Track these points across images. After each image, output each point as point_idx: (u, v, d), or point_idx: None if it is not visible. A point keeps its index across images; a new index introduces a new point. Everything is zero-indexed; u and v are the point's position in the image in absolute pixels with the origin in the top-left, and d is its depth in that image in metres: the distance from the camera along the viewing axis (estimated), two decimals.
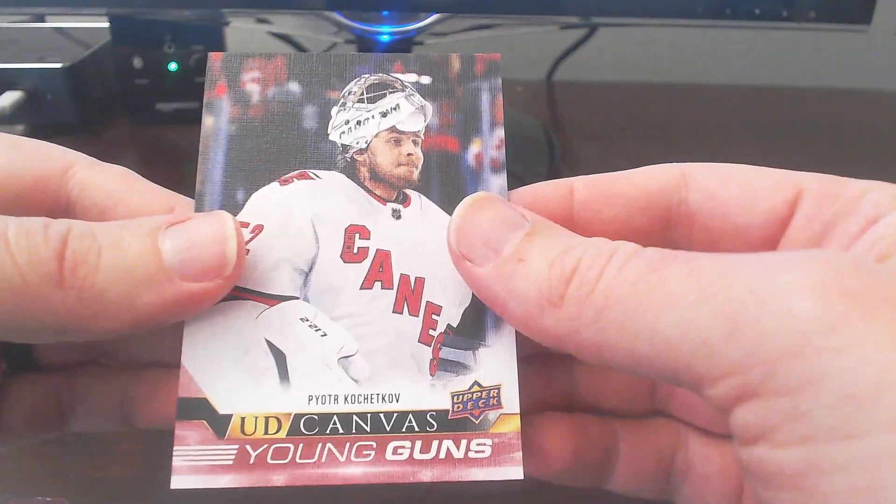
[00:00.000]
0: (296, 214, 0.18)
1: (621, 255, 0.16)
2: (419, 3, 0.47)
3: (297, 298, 0.17)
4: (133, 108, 0.61)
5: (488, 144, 0.18)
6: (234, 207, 0.17)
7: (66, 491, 0.29)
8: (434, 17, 0.48)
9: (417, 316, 0.17)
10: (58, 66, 0.56)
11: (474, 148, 0.18)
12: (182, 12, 0.50)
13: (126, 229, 0.18)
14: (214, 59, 0.19)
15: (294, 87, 0.18)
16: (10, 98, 0.54)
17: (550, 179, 0.20)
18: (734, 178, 0.19)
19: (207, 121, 0.18)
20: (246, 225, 0.18)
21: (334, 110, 0.18)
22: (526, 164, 0.54)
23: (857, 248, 0.17)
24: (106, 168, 0.21)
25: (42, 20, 0.67)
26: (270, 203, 0.17)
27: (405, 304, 0.17)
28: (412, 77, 0.19)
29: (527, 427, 0.19)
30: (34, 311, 0.17)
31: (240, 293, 0.17)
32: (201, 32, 0.60)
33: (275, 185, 0.18)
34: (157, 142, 0.59)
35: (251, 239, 0.18)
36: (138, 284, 0.17)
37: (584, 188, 0.20)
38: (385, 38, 0.49)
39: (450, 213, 0.18)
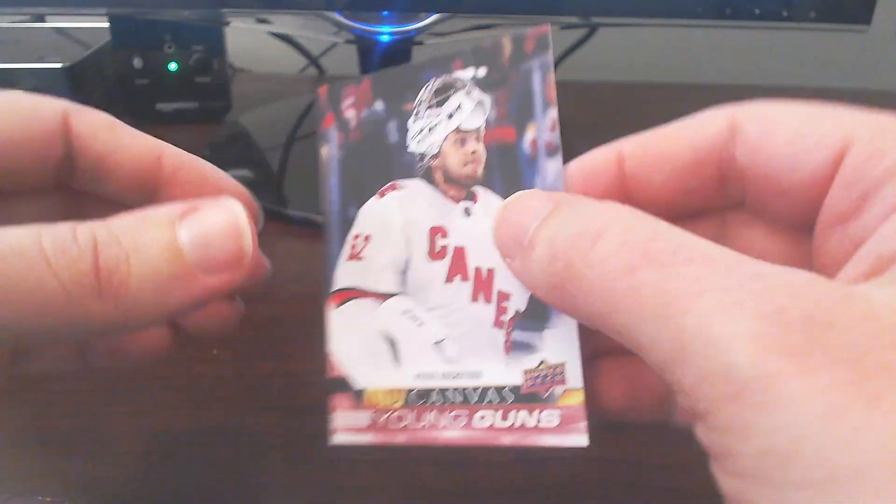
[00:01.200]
0: (391, 222, 0.20)
1: (606, 242, 0.16)
2: (419, 3, 0.47)
3: (400, 294, 0.20)
4: (133, 108, 0.61)
5: (542, 128, 0.19)
6: (349, 222, 0.20)
7: (66, 491, 0.29)
8: (434, 17, 0.48)
9: (490, 303, 0.19)
10: (58, 66, 0.56)
11: (529, 134, 0.19)
12: (182, 12, 0.50)
13: (144, 229, 0.18)
14: (321, 93, 0.21)
15: (379, 105, 0.20)
16: None
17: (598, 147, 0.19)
18: (781, 129, 0.18)
19: (323, 151, 0.20)
20: (358, 236, 0.20)
21: (410, 121, 0.20)
22: None
23: (882, 230, 0.16)
24: (93, 116, 0.21)
25: (42, 20, 0.67)
26: (372, 215, 0.20)
27: (480, 294, 0.19)
28: (470, 72, 0.19)
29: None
30: (78, 323, 0.17)
31: (361, 293, 0.20)
32: (201, 32, 0.60)
33: (374, 198, 0.20)
34: None
35: (364, 247, 0.20)
36: (167, 284, 0.18)
37: (632, 154, 0.20)
38: (385, 38, 0.49)
39: None
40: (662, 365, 0.15)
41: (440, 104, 0.20)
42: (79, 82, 0.58)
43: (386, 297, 0.20)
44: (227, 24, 0.57)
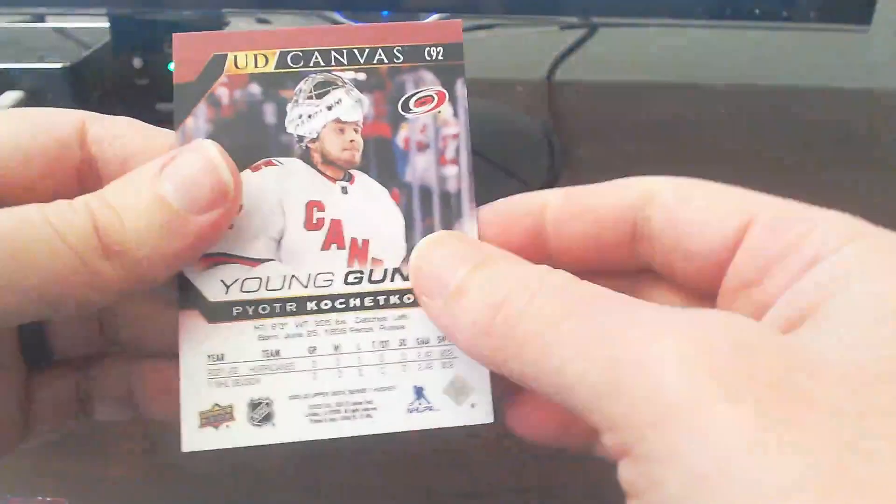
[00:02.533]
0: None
1: (545, 293, 0.17)
2: (419, 3, 0.47)
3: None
4: (133, 108, 0.61)
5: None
6: None
7: (66, 491, 0.30)
8: (434, 17, 0.48)
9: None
10: (58, 66, 0.56)
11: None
12: (182, 12, 0.50)
13: (129, 189, 0.19)
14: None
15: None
16: (10, 98, 0.54)
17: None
18: (694, 199, 0.20)
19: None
20: None
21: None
22: (526, 164, 0.54)
23: (789, 295, 0.17)
24: (113, 120, 0.22)
25: (42, 20, 0.67)
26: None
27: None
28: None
29: (519, 402, 0.21)
30: (92, 285, 0.18)
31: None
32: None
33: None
34: None
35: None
36: (162, 233, 0.19)
37: (556, 203, 0.21)
38: None
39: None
40: (591, 404, 0.15)
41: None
42: (79, 82, 0.57)
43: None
44: (227, 24, 0.57)
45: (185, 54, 0.22)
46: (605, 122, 0.65)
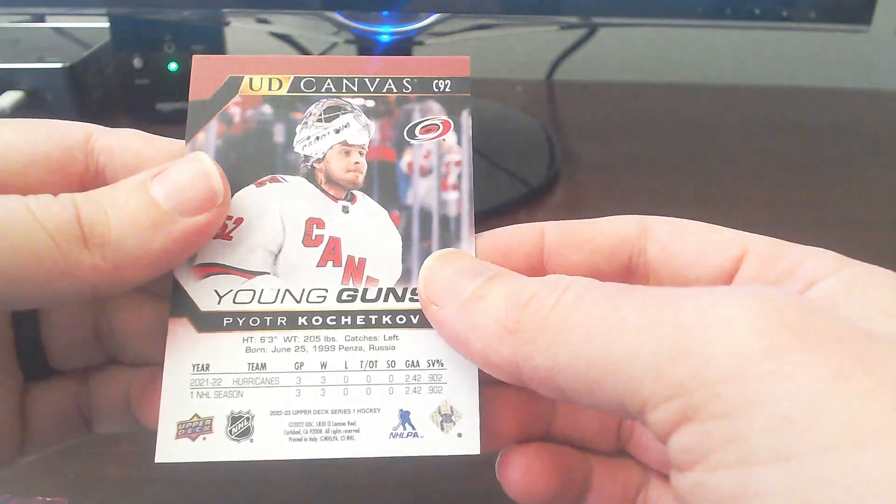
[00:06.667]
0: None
1: (578, 287, 0.17)
2: (419, 3, 0.47)
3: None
4: (133, 108, 0.61)
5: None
6: None
7: (66, 491, 0.30)
8: (434, 17, 0.48)
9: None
10: (58, 66, 0.56)
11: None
12: (182, 12, 0.50)
13: (118, 190, 0.19)
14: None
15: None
16: (10, 98, 0.54)
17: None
18: (688, 234, 0.21)
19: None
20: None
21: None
22: (526, 164, 0.54)
23: None
24: (121, 132, 0.22)
25: (42, 20, 0.67)
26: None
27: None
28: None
29: (516, 455, 0.22)
30: (69, 273, 0.18)
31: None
32: (201, 32, 0.60)
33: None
34: None
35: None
36: (148, 231, 0.19)
37: (554, 233, 0.22)
38: (385, 38, 0.50)
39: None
40: (644, 378, 0.15)
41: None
42: (79, 82, 0.58)
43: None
44: (227, 24, 0.57)
45: (203, 74, 0.23)
46: (605, 122, 0.65)
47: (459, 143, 0.23)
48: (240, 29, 0.58)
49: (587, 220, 0.22)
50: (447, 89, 0.23)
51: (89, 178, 0.21)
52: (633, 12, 0.47)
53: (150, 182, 0.20)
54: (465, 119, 0.23)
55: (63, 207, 0.18)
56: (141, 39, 0.59)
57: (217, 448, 0.20)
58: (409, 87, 0.23)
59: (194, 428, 0.20)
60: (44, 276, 0.18)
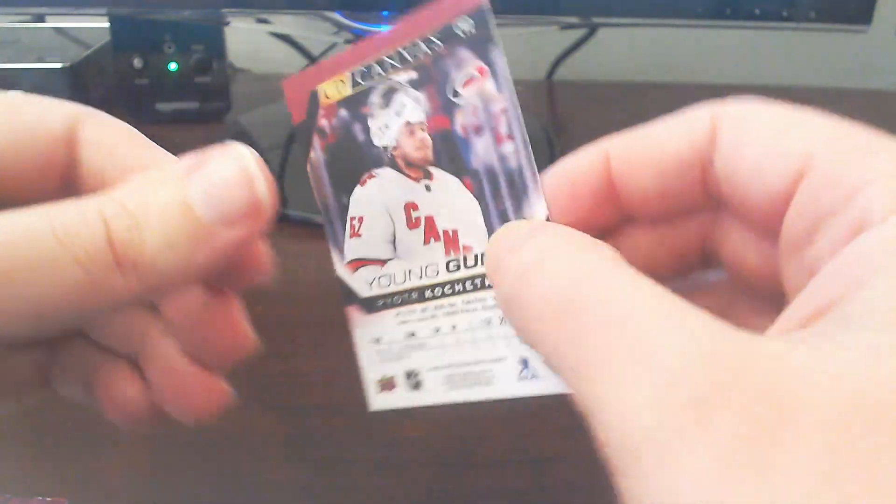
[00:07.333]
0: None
1: (556, 261, 0.17)
2: (419, 3, 0.47)
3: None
4: (133, 108, 0.61)
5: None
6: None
7: (66, 491, 0.29)
8: None
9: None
10: (58, 66, 0.56)
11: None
12: (182, 12, 0.50)
13: (150, 194, 0.18)
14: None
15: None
16: None
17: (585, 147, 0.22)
18: (751, 139, 0.18)
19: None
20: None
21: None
22: None
23: (822, 275, 0.15)
24: (113, 125, 0.21)
25: (42, 20, 0.67)
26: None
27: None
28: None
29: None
30: (102, 300, 0.17)
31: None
32: (201, 32, 0.60)
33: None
34: (156, 142, 0.59)
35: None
36: (184, 247, 0.17)
37: (618, 156, 0.21)
38: None
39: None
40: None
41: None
42: (79, 82, 0.58)
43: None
44: (227, 24, 0.57)
45: (294, 95, 0.24)
46: (605, 122, 0.65)
47: (499, 88, 0.23)
48: (240, 29, 0.58)
49: (651, 130, 0.20)
50: (471, 30, 0.23)
51: (71, 170, 0.20)
52: (633, 12, 0.47)
53: (186, 181, 0.18)
54: (498, 58, 0.23)
55: (93, 230, 0.17)
56: (141, 39, 0.59)
57: (404, 397, 0.24)
58: (440, 44, 0.23)
59: (385, 385, 0.24)
60: (73, 306, 0.17)
